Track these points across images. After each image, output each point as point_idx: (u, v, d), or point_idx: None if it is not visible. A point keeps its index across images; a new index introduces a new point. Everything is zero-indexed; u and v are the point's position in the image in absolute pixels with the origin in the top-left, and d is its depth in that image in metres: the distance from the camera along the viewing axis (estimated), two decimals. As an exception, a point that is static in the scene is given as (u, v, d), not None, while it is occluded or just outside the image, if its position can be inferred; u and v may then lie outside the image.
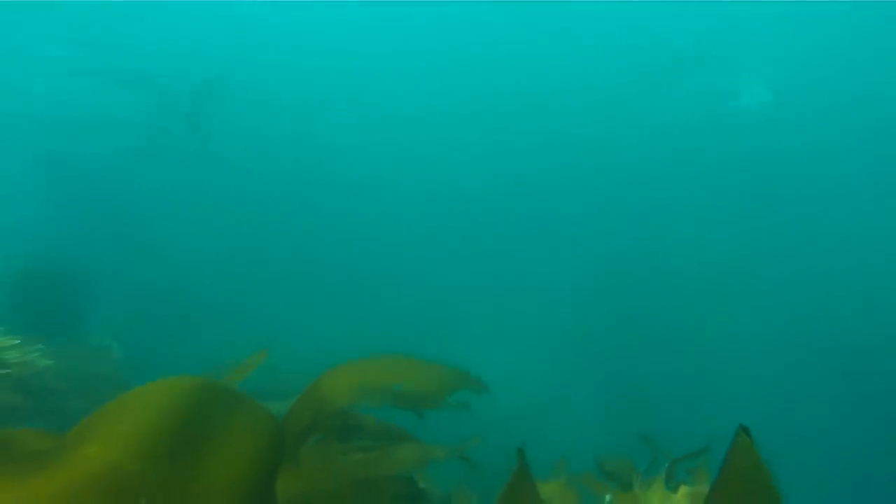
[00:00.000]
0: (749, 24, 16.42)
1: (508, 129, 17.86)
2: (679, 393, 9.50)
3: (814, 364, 11.02)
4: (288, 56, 19.15)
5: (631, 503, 1.92)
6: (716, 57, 16.23)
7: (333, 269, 12.80)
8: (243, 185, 15.25)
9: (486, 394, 2.85)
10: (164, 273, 10.93)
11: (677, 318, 11.84)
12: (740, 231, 14.70)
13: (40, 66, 15.17)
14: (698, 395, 9.51)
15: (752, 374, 10.69)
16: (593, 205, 15.66)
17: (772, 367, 11.01)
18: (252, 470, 1.77)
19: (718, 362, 10.77)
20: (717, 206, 15.21)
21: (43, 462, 1.57)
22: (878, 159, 16.26)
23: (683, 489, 1.96)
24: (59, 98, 15.08)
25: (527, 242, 14.41)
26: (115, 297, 8.98)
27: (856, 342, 11.11)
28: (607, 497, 2.13)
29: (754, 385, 10.29)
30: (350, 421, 2.95)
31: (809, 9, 15.56)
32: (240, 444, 1.79)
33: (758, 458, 1.51)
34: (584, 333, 10.73)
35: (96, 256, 10.58)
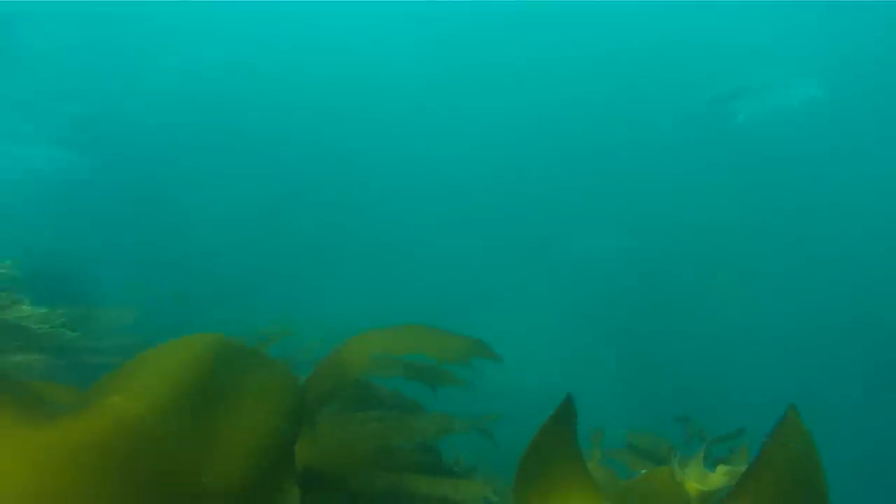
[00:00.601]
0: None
1: (530, 105, 17.62)
2: (703, 370, 9.40)
3: (840, 339, 10.81)
4: (309, 38, 19.14)
5: (667, 478, 1.85)
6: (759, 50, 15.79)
7: (356, 242, 12.84)
8: (269, 159, 15.34)
9: (508, 370, 2.79)
10: (188, 246, 11.06)
11: (702, 296, 11.71)
12: (768, 208, 14.41)
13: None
14: (723, 373, 9.42)
15: (775, 352, 10.54)
16: (622, 180, 15.42)
17: (795, 345, 10.82)
18: (272, 429, 1.73)
19: (743, 339, 10.65)
20: (748, 183, 14.90)
21: (66, 413, 1.56)
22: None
23: (722, 468, 1.90)
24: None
25: (554, 217, 14.29)
26: (139, 271, 9.10)
27: (883, 318, 10.85)
28: (642, 471, 2.06)
29: (777, 364, 10.15)
30: (369, 390, 2.94)
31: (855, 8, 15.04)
32: (261, 402, 1.76)
33: (808, 436, 1.44)
34: (607, 310, 10.65)
35: (120, 231, 10.75)
